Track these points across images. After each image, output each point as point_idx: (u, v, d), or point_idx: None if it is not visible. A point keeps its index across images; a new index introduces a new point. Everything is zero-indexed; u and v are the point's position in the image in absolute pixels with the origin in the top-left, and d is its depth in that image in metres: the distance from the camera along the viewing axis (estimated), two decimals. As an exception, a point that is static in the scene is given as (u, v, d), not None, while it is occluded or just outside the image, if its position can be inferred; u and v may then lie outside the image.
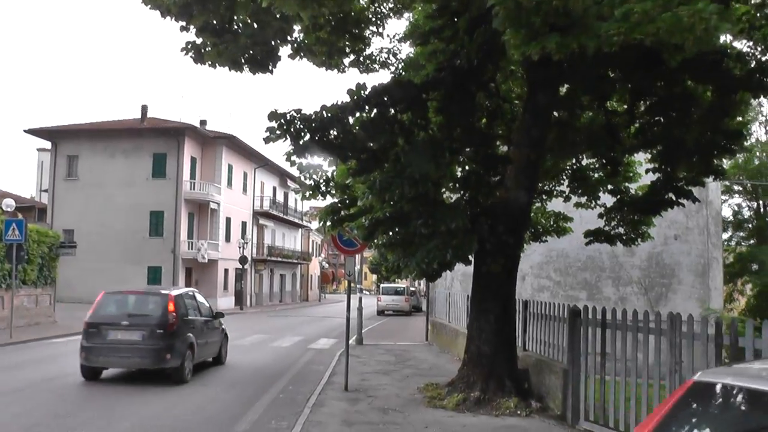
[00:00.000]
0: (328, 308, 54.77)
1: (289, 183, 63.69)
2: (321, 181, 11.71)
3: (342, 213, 11.38)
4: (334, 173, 11.54)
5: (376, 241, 11.41)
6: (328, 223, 11.39)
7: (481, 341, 11.02)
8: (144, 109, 48.95)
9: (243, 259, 48.32)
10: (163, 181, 45.99)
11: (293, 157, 9.27)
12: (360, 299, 22.95)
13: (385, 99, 9.19)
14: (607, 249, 23.80)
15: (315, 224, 78.90)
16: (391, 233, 10.04)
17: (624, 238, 16.54)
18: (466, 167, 11.36)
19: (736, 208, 35.24)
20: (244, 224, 54.55)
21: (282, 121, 8.81)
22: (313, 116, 8.97)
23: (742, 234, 34.54)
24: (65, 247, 31.49)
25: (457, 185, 11.06)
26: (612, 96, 10.61)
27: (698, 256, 23.58)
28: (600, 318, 9.78)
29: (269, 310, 50.00)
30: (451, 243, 8.88)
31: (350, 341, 23.17)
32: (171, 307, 13.50)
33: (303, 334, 26.47)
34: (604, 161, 15.13)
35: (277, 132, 8.81)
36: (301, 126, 8.85)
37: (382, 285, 51.73)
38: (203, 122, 51.52)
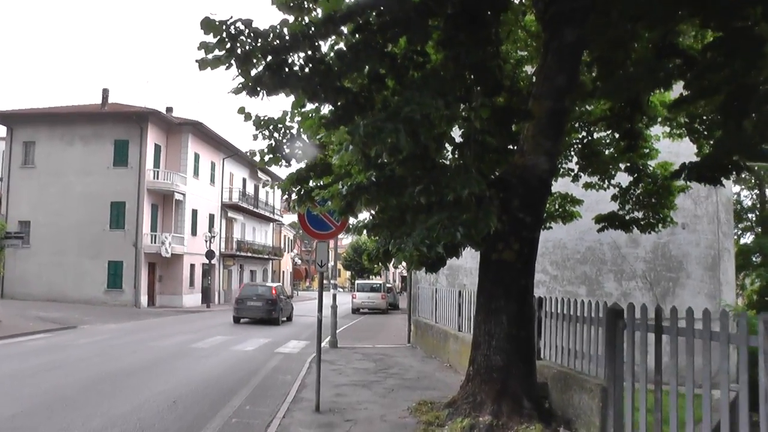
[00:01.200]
0: (300, 306, 52.00)
1: (260, 174, 60.97)
2: (281, 139, 9.13)
3: (311, 183, 8.88)
4: (300, 126, 8.93)
5: (356, 220, 9.00)
6: (293, 197, 8.85)
7: (491, 350, 8.55)
8: (105, 93, 45.95)
9: (210, 254, 45.54)
10: (125, 170, 43.06)
11: (245, 93, 6.60)
12: (334, 296, 20.43)
13: (371, 20, 6.65)
14: (609, 240, 21.62)
15: (287, 218, 76.19)
16: (378, 206, 7.51)
17: (642, 223, 14.24)
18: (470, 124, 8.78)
19: (734, 197, 33.14)
20: (211, 217, 51.68)
21: (224, 36, 6.20)
22: (270, 34, 6.31)
23: (742, 225, 32.44)
24: (11, 238, 28.64)
25: (456, 151, 8.49)
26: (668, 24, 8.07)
27: (708, 247, 21.40)
28: (651, 320, 7.36)
29: (238, 308, 47.32)
30: (460, 218, 6.40)
31: (323, 344, 20.74)
32: (274, 291, 31.03)
33: (271, 335, 23.88)
34: (618, 135, 12.84)
35: (217, 52, 6.21)
36: (252, 45, 6.27)
37: (357, 281, 49.16)
38: (169, 109, 48.66)
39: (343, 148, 5.92)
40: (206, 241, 45.81)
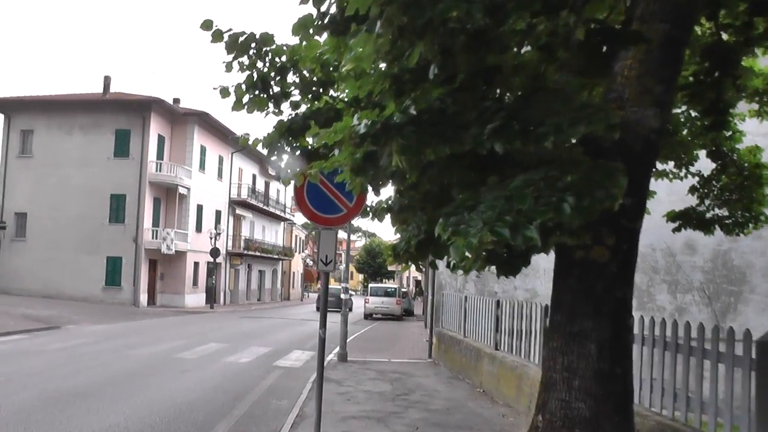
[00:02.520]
0: (310, 309, 49.36)
1: (271, 171, 58.35)
2: (268, 71, 6.03)
3: (311, 140, 6.09)
4: (299, 53, 5.99)
5: (377, 199, 6.29)
6: (283, 158, 6.00)
7: (571, 393, 5.71)
8: (107, 80, 43.48)
9: (215, 252, 42.89)
10: (126, 161, 40.61)
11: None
12: (345, 302, 17.65)
13: None
14: (662, 245, 18.88)
15: (299, 217, 73.44)
16: (410, 175, 4.64)
17: (728, 222, 11.38)
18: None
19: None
20: (218, 213, 49.05)
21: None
22: None
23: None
24: (-7, 227, 26.09)
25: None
26: None
27: (776, 257, 18.55)
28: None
29: (243, 310, 44.61)
30: (563, 180, 3.65)
31: (331, 357, 18.02)
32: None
33: (272, 343, 21.14)
34: (699, 110, 10.00)
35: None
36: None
37: (370, 285, 46.27)
38: (176, 101, 46.11)
39: (365, 27, 3.24)
40: (211, 238, 43.18)
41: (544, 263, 18.43)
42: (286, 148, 6.01)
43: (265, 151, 6.16)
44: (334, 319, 17.07)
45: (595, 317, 5.88)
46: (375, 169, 4.21)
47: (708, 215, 11.40)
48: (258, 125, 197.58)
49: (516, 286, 18.37)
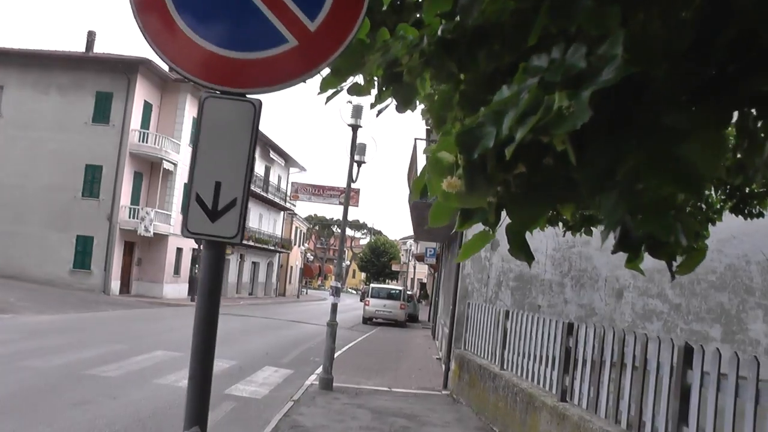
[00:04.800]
0: (306, 308, 44.57)
1: (272, 155, 53.58)
2: None
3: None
4: None
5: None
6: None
7: None
8: (91, 36, 38.65)
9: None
10: (105, 128, 35.87)
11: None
12: (334, 307, 12.63)
13: None
14: (759, 256, 14.26)
15: (300, 206, 68.56)
16: None
17: None
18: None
19: None
20: (208, 195, 44.13)
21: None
22: None
23: None
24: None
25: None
26: None
27: None
28: None
29: (229, 305, 39.82)
30: None
31: (311, 381, 13.30)
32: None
33: (241, 353, 16.37)
34: None
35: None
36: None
37: (371, 285, 41.30)
38: (174, 71, 41.17)
39: None
40: (196, 222, 38.31)
41: (605, 270, 13.65)
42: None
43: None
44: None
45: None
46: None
47: None
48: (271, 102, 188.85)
49: (567, 300, 13.61)
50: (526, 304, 13.51)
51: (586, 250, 13.55)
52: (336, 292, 12.36)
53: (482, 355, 11.81)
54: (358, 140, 12.33)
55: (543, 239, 13.61)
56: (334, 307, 12.30)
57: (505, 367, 10.32)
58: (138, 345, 15.65)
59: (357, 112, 11.92)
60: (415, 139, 15.89)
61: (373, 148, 14.20)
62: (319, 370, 12.93)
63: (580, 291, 13.60)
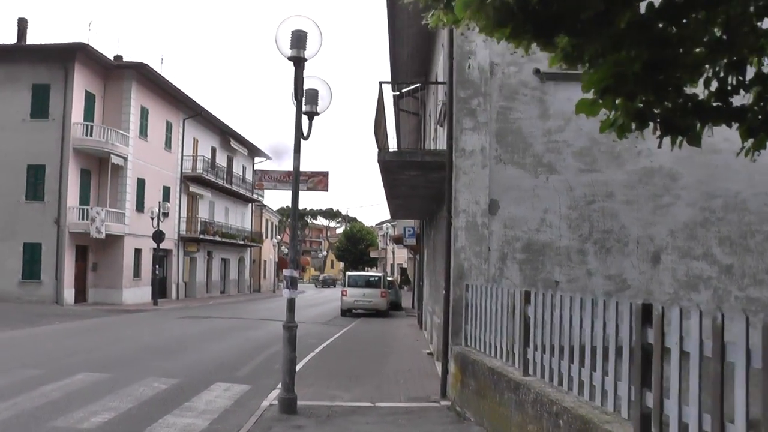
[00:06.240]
0: (280, 303, 41.54)
1: (233, 144, 50.32)
2: None
3: None
4: None
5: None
6: None
7: None
8: (22, 24, 35.33)
9: (158, 236, 34.85)
10: (45, 124, 32.63)
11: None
12: (290, 303, 9.60)
13: None
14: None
15: (270, 198, 65.20)
16: None
17: None
18: None
19: None
20: (166, 190, 40.87)
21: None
22: None
23: None
24: None
25: None
26: None
27: None
28: None
29: (197, 306, 36.84)
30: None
31: (268, 402, 10.33)
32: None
33: (186, 367, 13.45)
34: None
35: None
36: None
37: (348, 273, 38.25)
38: (117, 58, 37.78)
39: None
40: (153, 218, 35.15)
41: (636, 229, 10.84)
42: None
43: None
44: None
45: None
46: None
47: None
48: (214, 88, 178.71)
49: (590, 271, 10.75)
50: (539, 280, 10.69)
51: (610, 205, 10.74)
52: (292, 283, 9.40)
53: (493, 354, 8.96)
54: (307, 84, 9.41)
55: (554, 195, 10.81)
56: (291, 303, 9.34)
57: (530, 371, 7.48)
58: (57, 368, 12.64)
59: (299, 40, 8.95)
60: (380, 82, 12.89)
61: (327, 95, 10.98)
62: (276, 392, 10.09)
63: (606, 258, 10.77)
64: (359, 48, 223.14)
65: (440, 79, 15.04)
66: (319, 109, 9.94)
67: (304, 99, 9.55)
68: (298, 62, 9.11)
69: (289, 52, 9.06)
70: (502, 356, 8.56)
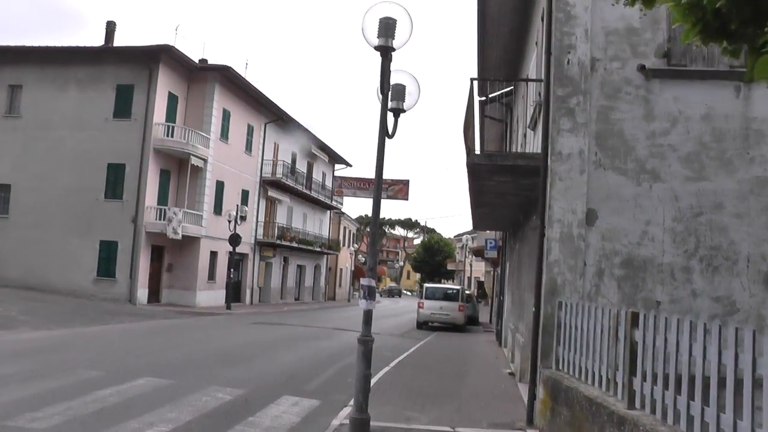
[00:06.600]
0: (355, 312, 40.64)
1: (314, 150, 49.90)
2: None
3: None
4: None
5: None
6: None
7: None
8: (110, 26, 35.73)
9: (234, 239, 34.55)
10: (128, 123, 32.68)
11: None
12: (367, 314, 8.57)
13: None
14: None
15: (349, 206, 64.70)
16: None
17: None
18: None
19: None
20: (245, 193, 40.70)
21: None
22: None
23: None
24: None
25: None
26: None
27: None
28: None
29: (270, 312, 36.31)
30: None
31: (341, 419, 9.28)
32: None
33: (254, 377, 12.66)
34: None
35: None
36: None
37: (425, 285, 37.22)
38: (203, 61, 37.79)
39: None
40: (230, 221, 34.89)
41: (746, 246, 9.52)
42: None
43: None
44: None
45: None
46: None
47: None
48: (297, 93, 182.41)
49: (695, 291, 9.49)
50: (639, 299, 9.49)
51: (719, 218, 9.48)
52: (369, 293, 8.45)
53: (590, 381, 7.81)
54: (394, 78, 8.46)
55: (658, 206, 9.61)
56: (368, 315, 8.39)
57: (636, 404, 6.34)
58: (119, 370, 11.99)
59: (387, 28, 8.04)
60: (471, 79, 11.84)
61: (414, 90, 10.04)
62: (347, 409, 9.16)
63: (713, 278, 9.50)
64: (442, 51, 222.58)
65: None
66: (405, 106, 8.97)
67: (390, 94, 8.60)
68: (386, 52, 8.17)
69: (376, 41, 8.13)
70: (601, 384, 7.41)
